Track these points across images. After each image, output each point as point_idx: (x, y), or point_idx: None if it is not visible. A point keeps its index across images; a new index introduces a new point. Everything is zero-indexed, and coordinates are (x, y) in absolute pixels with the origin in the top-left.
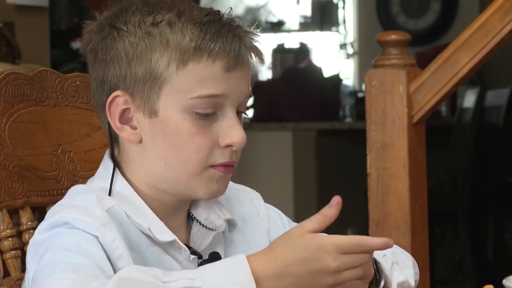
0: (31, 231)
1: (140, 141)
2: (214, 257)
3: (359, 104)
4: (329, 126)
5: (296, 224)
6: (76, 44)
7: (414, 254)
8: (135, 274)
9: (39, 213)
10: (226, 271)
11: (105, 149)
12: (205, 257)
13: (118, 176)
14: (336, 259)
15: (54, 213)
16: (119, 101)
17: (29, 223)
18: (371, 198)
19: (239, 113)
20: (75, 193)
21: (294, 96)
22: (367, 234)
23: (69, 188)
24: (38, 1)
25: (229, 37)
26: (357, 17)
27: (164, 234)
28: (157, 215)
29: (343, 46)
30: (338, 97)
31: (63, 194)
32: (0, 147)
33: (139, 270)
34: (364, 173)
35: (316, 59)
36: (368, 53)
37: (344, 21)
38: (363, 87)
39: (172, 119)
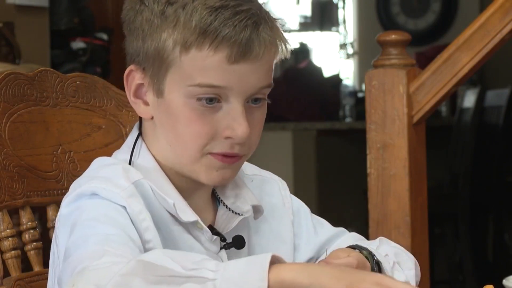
0: (31, 231)
1: (152, 118)
2: (238, 240)
3: (359, 104)
4: (329, 126)
5: (316, 217)
6: (76, 44)
7: (414, 254)
8: (156, 258)
9: (39, 213)
10: (245, 265)
11: (105, 149)
12: (229, 240)
13: (143, 148)
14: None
15: (79, 185)
16: (134, 75)
17: (29, 223)
18: (371, 198)
19: (258, 100)
20: (100, 165)
21: (294, 96)
22: (367, 234)
23: (69, 188)
24: (38, 1)
25: (240, 26)
26: (357, 17)
27: (187, 213)
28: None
29: (343, 46)
30: (338, 97)
31: (63, 194)
32: (0, 147)
33: (164, 254)
34: (364, 173)
35: (316, 59)
36: (368, 53)
37: (344, 21)
38: (363, 87)
39: (174, 102)
